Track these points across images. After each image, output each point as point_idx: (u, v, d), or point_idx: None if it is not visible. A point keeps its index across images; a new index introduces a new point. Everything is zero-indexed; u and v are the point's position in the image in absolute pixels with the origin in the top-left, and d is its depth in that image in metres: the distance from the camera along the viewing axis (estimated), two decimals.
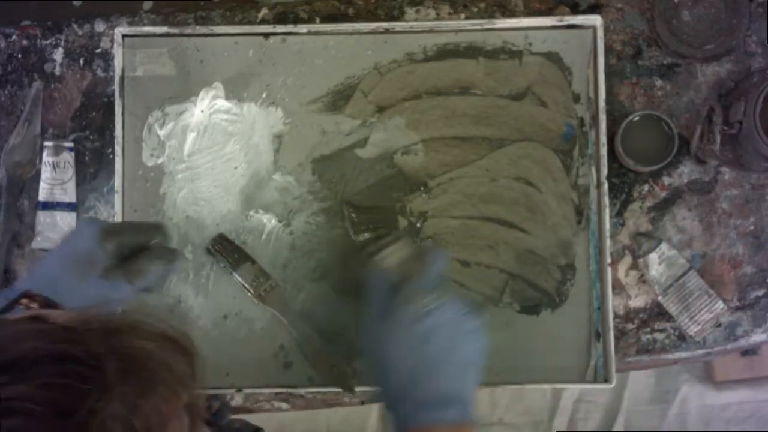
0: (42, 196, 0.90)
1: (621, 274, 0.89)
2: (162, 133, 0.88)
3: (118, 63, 0.88)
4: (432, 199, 0.87)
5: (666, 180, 0.89)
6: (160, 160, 0.88)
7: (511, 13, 0.91)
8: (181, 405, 0.44)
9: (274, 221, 0.87)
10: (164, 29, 0.89)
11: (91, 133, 0.91)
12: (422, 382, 0.67)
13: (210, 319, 0.87)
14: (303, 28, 0.88)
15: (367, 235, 0.87)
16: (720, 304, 0.87)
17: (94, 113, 0.91)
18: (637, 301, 0.89)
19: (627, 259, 0.89)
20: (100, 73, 0.91)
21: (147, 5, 0.95)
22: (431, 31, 0.89)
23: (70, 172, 0.90)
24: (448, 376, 0.67)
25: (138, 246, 0.72)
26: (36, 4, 0.95)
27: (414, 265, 0.73)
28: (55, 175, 0.90)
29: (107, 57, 0.91)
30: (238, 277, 0.85)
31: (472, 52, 0.89)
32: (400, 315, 0.69)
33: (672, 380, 1.58)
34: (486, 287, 0.86)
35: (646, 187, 0.89)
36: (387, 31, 0.89)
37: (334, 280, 0.87)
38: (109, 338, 0.42)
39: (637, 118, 0.86)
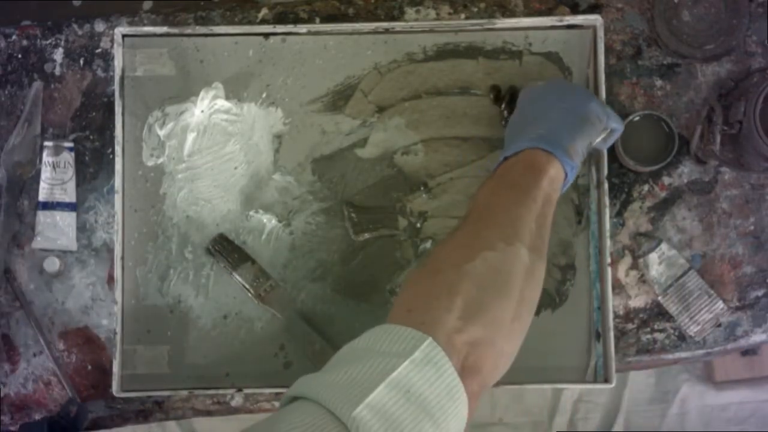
0: (42, 196, 0.90)
1: (621, 274, 0.89)
2: (162, 133, 0.88)
3: (118, 63, 0.88)
4: (432, 199, 0.87)
5: (666, 180, 0.89)
6: (160, 160, 0.88)
7: (511, 13, 0.91)
8: None
9: (274, 221, 0.87)
10: (164, 29, 0.89)
11: (91, 133, 0.91)
12: (530, 128, 0.74)
13: (210, 319, 0.87)
14: (303, 28, 0.88)
15: (367, 235, 0.87)
16: (720, 304, 0.87)
17: (94, 113, 0.91)
18: (637, 301, 0.89)
19: (627, 259, 0.89)
20: (100, 73, 0.91)
21: (147, 5, 0.95)
22: (431, 31, 0.89)
23: (70, 172, 0.90)
24: (563, 127, 0.74)
25: None
26: (36, 4, 0.95)
27: None
28: (55, 175, 0.90)
29: (107, 57, 0.91)
30: (238, 277, 0.85)
31: (472, 52, 0.89)
32: (545, 85, 0.80)
33: (672, 380, 1.58)
34: None
35: (646, 187, 0.89)
36: (387, 31, 0.89)
37: (334, 280, 0.87)
38: None
39: (637, 118, 0.86)
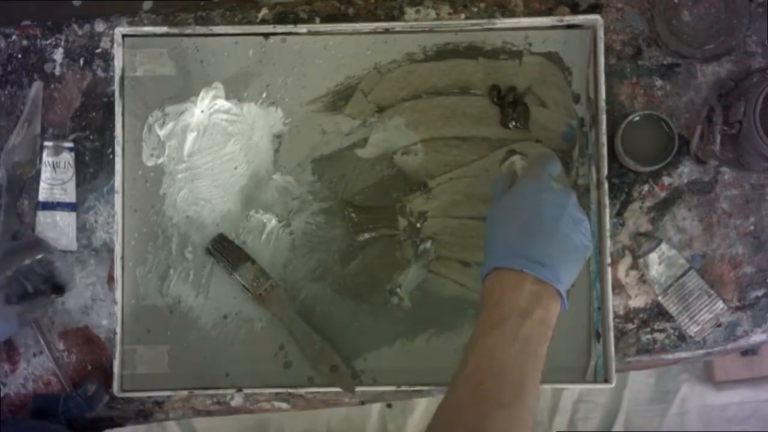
0: (42, 196, 0.90)
1: (621, 274, 0.89)
2: (162, 133, 0.88)
3: (118, 63, 0.88)
4: (432, 199, 0.87)
5: (666, 180, 0.89)
6: (160, 160, 0.88)
7: (511, 13, 0.91)
8: None
9: (274, 221, 0.87)
10: (164, 29, 0.89)
11: (91, 133, 0.91)
12: (528, 238, 0.70)
13: (210, 319, 0.87)
14: (303, 28, 0.88)
15: (366, 235, 0.87)
16: (720, 304, 0.87)
17: (94, 113, 0.91)
18: (637, 301, 0.89)
19: (627, 259, 0.89)
20: (100, 73, 0.91)
21: (147, 5, 0.95)
22: (431, 31, 0.89)
23: (70, 172, 0.90)
24: (551, 244, 0.70)
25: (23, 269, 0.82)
26: (36, 4, 0.95)
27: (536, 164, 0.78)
28: (55, 175, 0.90)
29: (107, 57, 0.91)
30: (238, 277, 0.85)
31: (472, 52, 0.89)
32: (525, 185, 0.74)
33: (672, 380, 1.57)
34: None
35: (646, 187, 0.89)
36: (387, 31, 0.89)
37: (334, 280, 0.87)
38: None
39: (637, 118, 0.86)
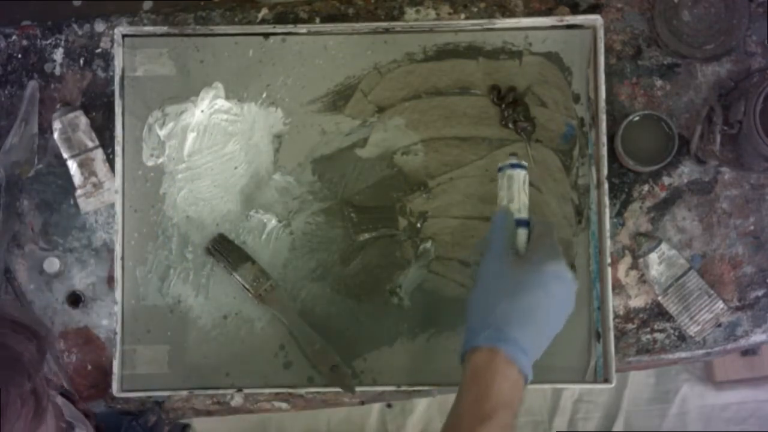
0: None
1: (621, 274, 0.89)
2: (162, 133, 0.88)
3: (118, 63, 0.88)
4: (432, 199, 0.87)
5: (666, 180, 0.89)
6: (160, 160, 0.88)
7: (511, 13, 0.91)
8: (25, 391, 0.44)
9: (274, 221, 0.87)
10: (164, 29, 0.89)
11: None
12: (514, 323, 0.68)
13: (210, 319, 0.87)
14: (303, 28, 0.88)
15: (366, 235, 0.87)
16: (720, 304, 0.87)
17: (94, 113, 0.91)
18: (637, 301, 0.89)
19: (627, 259, 0.89)
20: (100, 73, 0.91)
21: (147, 5, 0.95)
22: (431, 31, 0.89)
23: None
24: (546, 337, 0.70)
25: None
26: (36, 4, 0.95)
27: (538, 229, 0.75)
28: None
29: (107, 57, 0.91)
30: (238, 277, 0.85)
31: (472, 52, 0.89)
32: (541, 266, 0.69)
33: (672, 380, 1.57)
34: None
35: (646, 187, 0.89)
36: (387, 31, 0.89)
37: (334, 280, 0.87)
38: None
39: (637, 118, 0.86)
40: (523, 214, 0.74)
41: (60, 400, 0.56)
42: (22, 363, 0.44)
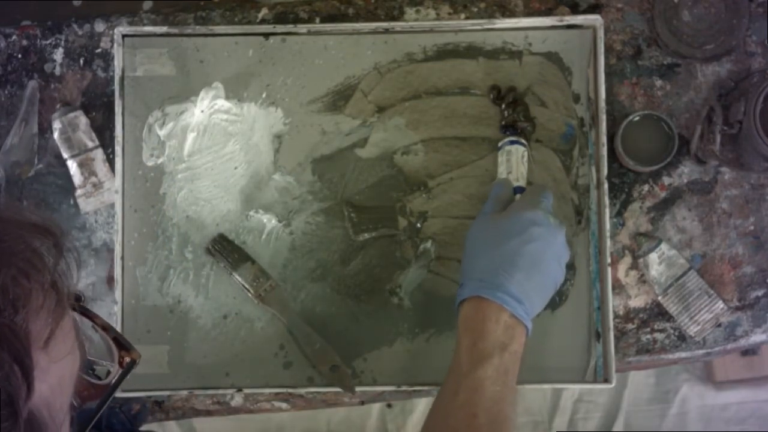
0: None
1: (621, 274, 0.89)
2: (162, 133, 0.88)
3: (118, 63, 0.88)
4: (432, 199, 0.87)
5: (666, 180, 0.89)
6: (160, 160, 0.88)
7: (511, 13, 0.91)
8: (45, 282, 0.44)
9: (274, 221, 0.87)
10: (164, 29, 0.89)
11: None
12: (511, 271, 0.71)
13: (210, 319, 0.87)
14: (303, 28, 0.88)
15: (366, 235, 0.87)
16: (720, 304, 0.87)
17: (94, 113, 0.91)
18: (637, 301, 0.89)
19: (627, 259, 0.89)
20: (100, 73, 0.91)
21: (147, 5, 0.95)
22: (431, 31, 0.89)
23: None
24: (532, 282, 0.72)
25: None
26: (36, 4, 0.95)
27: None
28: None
29: (107, 57, 0.91)
30: (238, 277, 0.85)
31: (472, 52, 0.89)
32: (519, 211, 0.74)
33: (672, 380, 1.57)
34: None
35: (646, 187, 0.89)
36: (387, 31, 0.89)
37: (334, 280, 0.87)
38: None
39: (637, 118, 0.86)
40: (521, 183, 0.80)
41: (77, 316, 0.56)
42: (39, 255, 0.45)
